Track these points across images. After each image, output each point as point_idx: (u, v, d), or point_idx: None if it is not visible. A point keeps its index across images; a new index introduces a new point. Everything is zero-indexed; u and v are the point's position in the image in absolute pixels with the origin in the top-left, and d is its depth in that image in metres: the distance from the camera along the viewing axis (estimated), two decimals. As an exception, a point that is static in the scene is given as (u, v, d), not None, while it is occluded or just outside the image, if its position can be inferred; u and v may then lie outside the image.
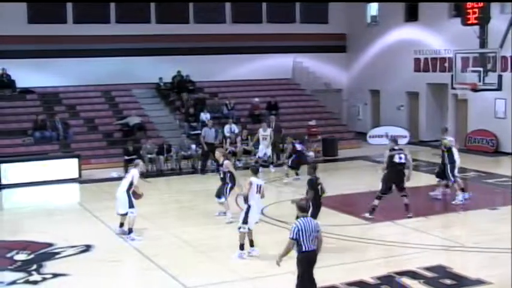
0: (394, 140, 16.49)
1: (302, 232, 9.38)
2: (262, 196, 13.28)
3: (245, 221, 12.89)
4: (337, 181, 20.09)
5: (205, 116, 25.99)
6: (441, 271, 11.87)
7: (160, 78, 28.88)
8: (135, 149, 22.77)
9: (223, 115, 27.31)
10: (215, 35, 30.16)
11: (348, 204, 17.55)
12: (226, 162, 15.97)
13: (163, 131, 26.39)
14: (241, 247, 12.89)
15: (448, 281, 11.39)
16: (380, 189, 15.76)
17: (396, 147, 15.86)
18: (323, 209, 16.76)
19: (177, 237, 14.57)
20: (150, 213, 16.75)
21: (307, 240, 9.40)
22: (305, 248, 9.42)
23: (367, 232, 14.54)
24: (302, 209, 9.69)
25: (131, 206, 14.38)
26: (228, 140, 24.36)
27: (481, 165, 23.06)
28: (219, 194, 16.17)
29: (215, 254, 13.21)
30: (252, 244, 13.04)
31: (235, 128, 25.26)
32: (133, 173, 14.59)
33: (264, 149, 22.86)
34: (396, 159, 15.56)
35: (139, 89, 28.97)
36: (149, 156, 22.82)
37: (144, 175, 22.03)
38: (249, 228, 12.94)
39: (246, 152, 24.46)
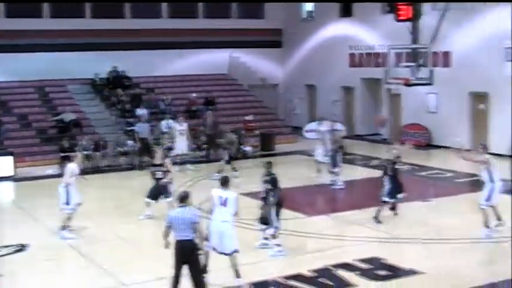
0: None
1: (174, 220, 9.80)
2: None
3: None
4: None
5: (141, 111, 25.79)
6: (376, 263, 12.14)
7: (96, 74, 28.50)
8: (70, 146, 22.41)
9: (160, 111, 27.16)
10: (151, 30, 29.95)
11: (285, 199, 17.67)
12: (166, 161, 15.83)
13: (99, 127, 26.07)
14: None
15: (382, 272, 11.66)
16: None
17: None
18: (260, 203, 17.00)
19: (115, 234, 14.47)
20: (87, 211, 16.49)
21: (179, 229, 9.75)
22: (176, 236, 9.81)
23: (304, 226, 14.73)
24: (179, 198, 10.09)
25: (67, 202, 14.19)
26: (165, 136, 24.25)
27: (414, 158, 23.57)
28: (156, 196, 15.55)
29: (153, 251, 13.12)
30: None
31: (172, 124, 25.11)
32: (70, 166, 14.37)
33: (180, 145, 22.62)
34: None
35: (74, 85, 28.51)
36: (85, 153, 22.51)
37: (80, 172, 21.89)
38: None
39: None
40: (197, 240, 9.88)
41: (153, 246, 13.47)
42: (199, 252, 10.00)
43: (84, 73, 28.20)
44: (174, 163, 22.76)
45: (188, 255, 9.83)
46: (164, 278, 11.51)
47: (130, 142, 23.74)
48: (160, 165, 15.71)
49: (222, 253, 11.00)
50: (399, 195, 14.98)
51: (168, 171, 15.67)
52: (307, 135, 28.17)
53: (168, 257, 12.00)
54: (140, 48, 29.52)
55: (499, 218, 13.71)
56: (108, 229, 14.97)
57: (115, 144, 23.59)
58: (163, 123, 24.91)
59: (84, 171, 21.41)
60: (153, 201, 15.63)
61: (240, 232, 14.28)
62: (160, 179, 15.64)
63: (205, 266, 10.88)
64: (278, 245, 12.61)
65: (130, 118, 26.04)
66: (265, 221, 12.83)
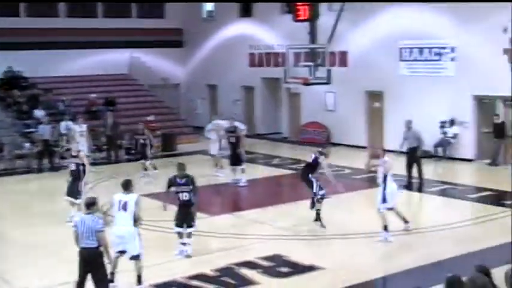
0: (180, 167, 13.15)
1: (78, 228, 9.59)
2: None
3: None
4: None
5: (39, 113, 25.09)
6: (278, 260, 12.32)
7: (-10, 74, 27.51)
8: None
9: (58, 112, 26.51)
10: (48, 29, 29.13)
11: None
12: (81, 154, 15.37)
13: (-6, 129, 25.16)
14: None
15: (284, 269, 11.84)
16: None
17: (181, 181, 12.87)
18: (160, 204, 16.92)
19: (13, 241, 14.01)
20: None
21: (83, 236, 9.56)
22: (81, 243, 9.63)
23: (208, 225, 14.73)
24: (86, 204, 9.85)
25: None
26: (65, 138, 23.72)
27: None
28: (74, 193, 14.97)
29: (54, 255, 12.84)
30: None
31: (72, 125, 24.60)
32: None
33: (79, 147, 22.21)
34: None
35: (-34, 86, 27.40)
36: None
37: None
38: None
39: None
40: (101, 249, 9.66)
41: (55, 250, 13.19)
42: (104, 260, 9.78)
43: (-23, 73, 27.18)
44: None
45: (92, 263, 9.61)
46: (66, 284, 11.29)
47: (27, 145, 23.05)
48: (75, 157, 15.21)
49: (124, 254, 10.90)
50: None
51: (84, 165, 15.06)
52: (209, 135, 28.24)
53: (70, 262, 11.77)
54: (37, 48, 28.63)
55: (405, 220, 13.97)
56: (6, 235, 14.47)
57: (11, 146, 22.83)
58: (63, 124, 24.37)
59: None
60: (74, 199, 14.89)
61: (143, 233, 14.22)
62: (75, 171, 15.04)
63: (112, 274, 10.68)
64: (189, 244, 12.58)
65: (28, 120, 25.29)
66: (188, 222, 12.51)
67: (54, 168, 21.74)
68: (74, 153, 15.42)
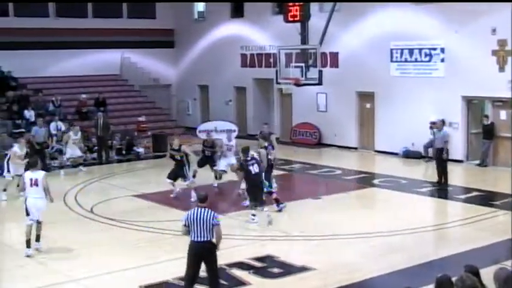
0: (244, 150, 15.36)
1: (191, 221, 9.60)
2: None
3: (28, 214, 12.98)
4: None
5: (29, 113, 25.01)
6: (269, 261, 12.33)
7: (-21, 75, 27.39)
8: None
9: (48, 112, 26.43)
10: (38, 29, 29.00)
11: (179, 199, 17.67)
12: (183, 146, 17.41)
13: (-17, 130, 25.02)
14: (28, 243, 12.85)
15: (276, 270, 11.86)
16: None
17: (249, 158, 15.06)
18: (155, 205, 16.92)
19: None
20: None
21: (196, 230, 9.57)
22: (192, 237, 9.64)
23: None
24: (199, 199, 9.99)
25: None
26: (55, 138, 23.68)
27: (305, 156, 24.14)
28: (180, 176, 17.39)
29: (40, 256, 12.80)
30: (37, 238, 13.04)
31: (62, 126, 24.57)
32: None
33: (71, 151, 22.35)
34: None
35: (-45, 86, 27.26)
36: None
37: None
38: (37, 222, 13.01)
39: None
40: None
41: (41, 251, 13.14)
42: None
43: (-34, 74, 27.06)
44: (62, 167, 22.46)
45: (207, 257, 9.76)
46: (56, 284, 11.27)
47: (16, 145, 22.88)
48: (179, 150, 17.44)
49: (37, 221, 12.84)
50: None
51: (187, 154, 17.46)
52: (200, 135, 28.24)
53: (58, 262, 11.80)
54: (26, 47, 28.50)
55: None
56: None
57: (0, 147, 22.70)
58: (53, 125, 24.31)
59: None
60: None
61: (133, 234, 14.23)
62: (180, 161, 17.36)
63: (38, 236, 12.86)
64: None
65: (18, 120, 25.20)
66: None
67: (46, 169, 21.54)
68: (175, 147, 17.55)
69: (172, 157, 17.80)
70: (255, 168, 14.94)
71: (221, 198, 17.63)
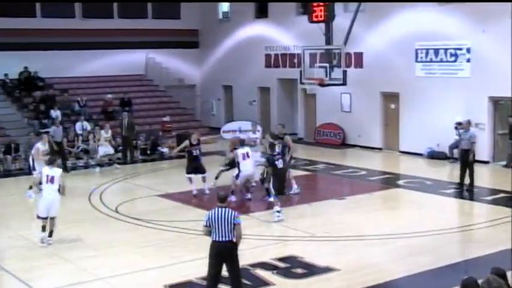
0: (271, 145, 16.00)
1: (212, 221, 9.60)
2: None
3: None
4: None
5: (55, 113, 25.26)
6: (293, 261, 12.30)
7: (6, 75, 27.69)
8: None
9: (74, 112, 26.67)
10: (64, 30, 29.29)
11: (203, 199, 17.75)
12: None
13: (10, 129, 25.30)
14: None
15: (299, 270, 11.83)
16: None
17: (276, 152, 15.64)
18: (179, 205, 16.99)
19: (27, 240, 14.10)
20: (-1, 216, 16.16)
21: (218, 230, 9.58)
22: (214, 237, 9.65)
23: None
24: (219, 199, 9.91)
25: None
26: (80, 138, 23.89)
27: (329, 157, 24.08)
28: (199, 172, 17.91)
29: (68, 255, 12.93)
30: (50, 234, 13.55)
31: (87, 125, 24.80)
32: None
33: (104, 148, 22.63)
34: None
35: (-17, 86, 27.64)
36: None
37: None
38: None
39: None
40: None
41: (69, 249, 13.27)
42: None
43: (-7, 74, 27.39)
44: (87, 167, 22.69)
45: (228, 256, 9.75)
46: (83, 283, 11.36)
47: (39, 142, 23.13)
48: (197, 144, 18.00)
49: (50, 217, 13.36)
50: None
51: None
52: (225, 135, 28.30)
53: (84, 261, 11.89)
54: (53, 48, 28.83)
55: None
56: (21, 234, 14.57)
57: (27, 147, 22.95)
58: (78, 125, 24.54)
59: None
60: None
61: (157, 233, 14.30)
62: (196, 156, 17.97)
63: (51, 232, 13.41)
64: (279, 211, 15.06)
65: (44, 120, 25.48)
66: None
67: (66, 169, 21.73)
68: (194, 142, 18.02)
69: (189, 152, 17.91)
70: (280, 163, 15.37)
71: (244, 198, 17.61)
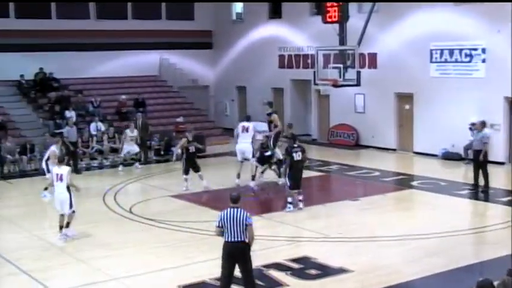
0: (292, 136, 17.03)
1: (225, 221, 9.67)
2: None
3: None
4: (205, 177, 20.25)
5: (70, 114, 25.36)
6: (307, 262, 12.29)
7: (22, 76, 27.86)
8: (-6, 149, 21.93)
9: (88, 113, 26.79)
10: (79, 31, 29.43)
11: (217, 200, 17.75)
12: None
13: (25, 130, 25.47)
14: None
15: (313, 271, 11.82)
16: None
17: (295, 145, 16.35)
18: (192, 205, 17.03)
19: (42, 240, 14.19)
20: (14, 216, 16.23)
21: (230, 230, 9.64)
22: (226, 237, 9.71)
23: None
24: (232, 199, 9.93)
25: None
26: (94, 138, 23.99)
27: (343, 158, 24.03)
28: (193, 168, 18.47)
29: (83, 255, 12.99)
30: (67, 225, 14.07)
31: (102, 126, 24.89)
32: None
33: (129, 147, 22.78)
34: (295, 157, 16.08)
35: (-2, 87, 27.80)
36: (9, 156, 22.00)
37: (5, 177, 21.40)
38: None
39: (113, 151, 24.18)
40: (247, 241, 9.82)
41: (83, 250, 13.34)
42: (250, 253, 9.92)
43: (9, 74, 27.51)
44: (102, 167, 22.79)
45: (240, 257, 9.82)
46: (98, 283, 11.42)
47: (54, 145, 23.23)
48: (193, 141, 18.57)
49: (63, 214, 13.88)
50: None
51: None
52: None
53: (98, 261, 11.92)
54: (68, 49, 28.98)
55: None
56: (36, 234, 14.66)
57: (42, 147, 23.08)
58: (92, 125, 24.64)
59: (10, 176, 21.17)
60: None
61: (170, 234, 14.34)
62: (193, 153, 18.56)
63: (67, 224, 13.97)
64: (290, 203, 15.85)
65: (59, 120, 25.60)
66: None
67: (78, 171, 21.81)
68: (191, 139, 18.64)
69: (186, 149, 18.06)
70: (297, 156, 15.97)
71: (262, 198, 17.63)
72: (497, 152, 21.14)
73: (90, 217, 15.72)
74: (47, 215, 16.72)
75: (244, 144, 18.53)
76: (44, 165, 18.78)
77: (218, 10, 33.09)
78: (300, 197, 16.24)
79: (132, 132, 22.90)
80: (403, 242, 13.39)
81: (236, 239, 9.64)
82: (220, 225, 9.72)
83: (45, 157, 18.76)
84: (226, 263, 9.79)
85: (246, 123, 18.50)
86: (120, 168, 22.59)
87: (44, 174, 18.65)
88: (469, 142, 21.35)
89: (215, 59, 33.70)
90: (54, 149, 18.52)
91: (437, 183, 19.21)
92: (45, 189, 17.92)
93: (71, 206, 13.96)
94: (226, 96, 33.20)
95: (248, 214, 9.80)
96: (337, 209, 16.58)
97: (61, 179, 13.81)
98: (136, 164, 22.93)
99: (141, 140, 23.91)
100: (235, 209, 9.76)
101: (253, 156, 18.46)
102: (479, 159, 17.89)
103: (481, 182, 17.92)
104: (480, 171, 17.96)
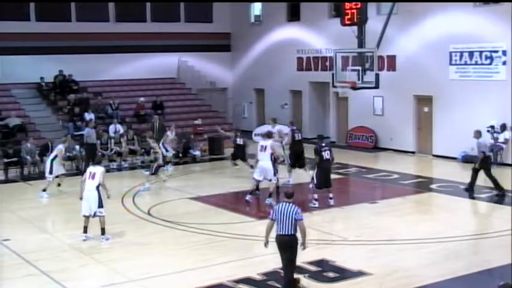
0: (320, 137, 17.56)
1: (277, 215, 10.13)
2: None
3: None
4: (223, 180, 20.32)
5: (89, 116, 25.50)
6: (325, 265, 12.26)
7: (42, 78, 28.06)
8: (15, 151, 22.05)
9: (107, 115, 26.92)
10: (98, 34, 29.63)
11: (234, 203, 17.77)
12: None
13: (45, 132, 25.65)
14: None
15: (331, 274, 11.78)
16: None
17: (323, 144, 16.83)
18: (210, 207, 17.02)
19: (61, 241, 14.26)
20: (33, 217, 16.33)
21: (280, 224, 10.10)
22: (277, 230, 10.19)
23: (253, 229, 14.75)
24: (286, 195, 10.44)
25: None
26: (113, 140, 24.07)
27: (361, 160, 23.95)
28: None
29: (100, 256, 13.04)
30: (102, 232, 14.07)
31: (120, 128, 25.00)
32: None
33: (169, 149, 22.93)
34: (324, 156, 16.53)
35: (19, 89, 27.98)
36: (29, 158, 22.14)
37: (25, 178, 21.55)
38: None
39: (132, 152, 24.28)
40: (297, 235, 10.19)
41: (101, 251, 13.40)
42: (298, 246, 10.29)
43: (29, 77, 27.77)
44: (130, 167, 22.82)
45: (289, 249, 10.20)
46: (115, 284, 11.45)
47: (77, 147, 23.41)
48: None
49: (93, 215, 13.94)
50: None
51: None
52: (257, 138, 28.32)
53: (116, 263, 11.94)
54: (87, 51, 29.19)
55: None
56: (55, 235, 14.74)
57: (66, 149, 23.19)
58: (111, 127, 24.74)
59: (30, 177, 21.30)
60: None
61: (188, 236, 14.35)
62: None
63: (102, 230, 13.97)
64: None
65: (79, 122, 25.76)
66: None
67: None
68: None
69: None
70: (326, 155, 16.48)
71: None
72: (517, 156, 20.96)
73: (108, 219, 15.71)
74: (67, 216, 16.81)
75: (266, 163, 17.46)
76: (48, 164, 18.94)
77: (236, 13, 33.13)
78: (331, 195, 16.71)
79: (171, 134, 22.85)
80: (422, 246, 13.30)
81: (285, 233, 10.10)
82: (273, 218, 10.19)
83: (52, 156, 18.91)
84: (281, 255, 10.31)
85: (263, 143, 17.53)
86: (171, 169, 22.64)
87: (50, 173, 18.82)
88: (489, 145, 21.17)
89: (233, 61, 33.75)
90: (61, 148, 18.74)
91: (456, 186, 19.07)
92: (44, 190, 18.09)
93: (100, 205, 14.01)
94: (245, 99, 33.22)
95: (299, 210, 10.22)
96: (356, 212, 16.50)
97: (93, 177, 13.96)
98: (168, 165, 22.76)
99: (159, 142, 23.93)
100: (288, 204, 10.21)
101: (275, 175, 17.77)
102: (486, 166, 17.79)
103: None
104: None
